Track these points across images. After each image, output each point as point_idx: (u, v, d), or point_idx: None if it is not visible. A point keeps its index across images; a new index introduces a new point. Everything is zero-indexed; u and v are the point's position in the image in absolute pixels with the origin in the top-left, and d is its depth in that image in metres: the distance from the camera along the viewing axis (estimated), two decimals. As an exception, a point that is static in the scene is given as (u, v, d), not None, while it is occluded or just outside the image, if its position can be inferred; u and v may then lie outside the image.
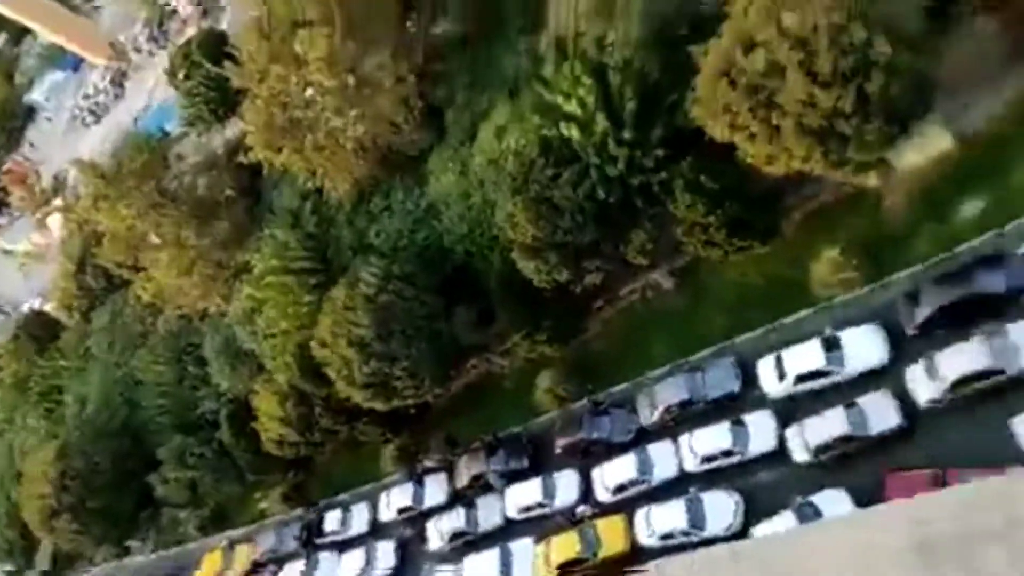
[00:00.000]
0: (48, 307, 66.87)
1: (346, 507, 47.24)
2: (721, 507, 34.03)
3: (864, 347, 33.44)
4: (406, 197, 43.79)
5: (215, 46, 54.55)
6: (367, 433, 45.29)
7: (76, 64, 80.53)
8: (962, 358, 30.46)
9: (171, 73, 60.17)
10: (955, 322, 31.31)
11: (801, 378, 34.17)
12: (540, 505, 39.38)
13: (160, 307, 53.42)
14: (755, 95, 31.13)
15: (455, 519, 41.71)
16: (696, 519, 34.08)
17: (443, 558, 41.90)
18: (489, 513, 41.09)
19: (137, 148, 51.97)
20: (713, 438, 35.36)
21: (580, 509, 38.18)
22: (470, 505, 41.83)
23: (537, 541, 38.47)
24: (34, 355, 62.47)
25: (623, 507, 36.80)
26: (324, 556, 46.20)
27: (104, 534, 54.85)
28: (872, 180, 35.18)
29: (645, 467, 36.82)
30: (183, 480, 50.70)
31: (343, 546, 46.04)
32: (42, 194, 73.09)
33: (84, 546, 56.44)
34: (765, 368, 35.35)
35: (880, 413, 31.92)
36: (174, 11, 72.23)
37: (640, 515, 35.79)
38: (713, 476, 35.17)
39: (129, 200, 49.00)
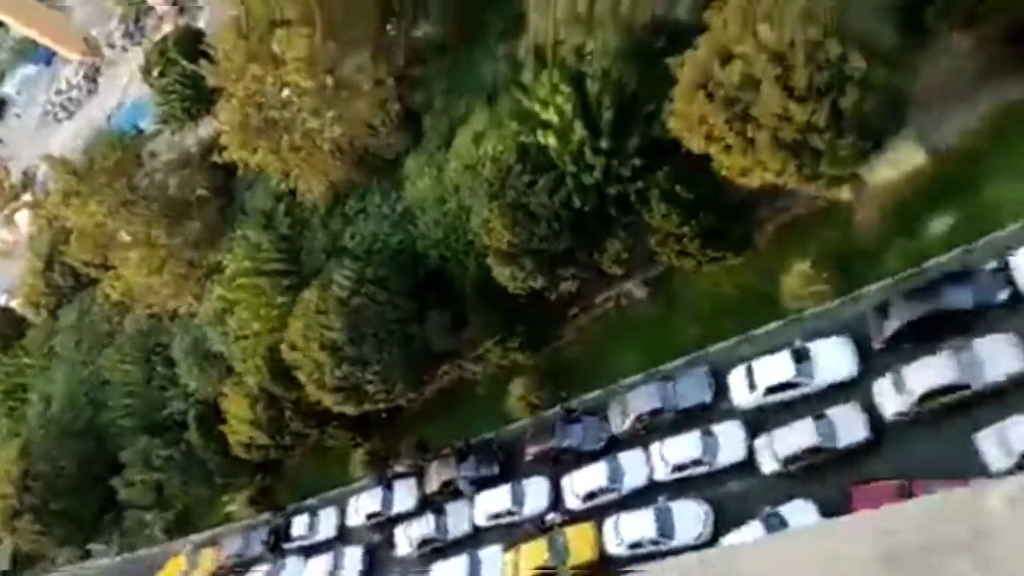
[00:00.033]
0: (14, 304, 65.88)
1: (314, 512, 46.84)
2: (690, 516, 34.14)
3: (833, 359, 33.75)
4: (382, 201, 43.63)
5: (192, 44, 54.16)
6: (337, 437, 44.99)
7: (49, 58, 79.63)
8: (929, 372, 30.83)
9: (146, 70, 59.67)
10: (923, 337, 31.69)
11: (771, 389, 34.41)
12: (509, 512, 39.28)
13: (129, 306, 52.80)
14: (731, 108, 31.38)
15: (424, 525, 41.50)
16: (665, 528, 34.16)
17: (411, 565, 41.66)
18: (458, 520, 40.93)
19: (109, 145, 51.38)
20: (683, 447, 35.49)
21: (550, 517, 38.14)
22: (439, 511, 41.64)
23: (506, 549, 38.37)
24: (-1, 352, 61.49)
25: (592, 515, 36.80)
26: (290, 561, 45.76)
27: (67, 536, 54.00)
28: (845, 194, 35.58)
29: (615, 475, 36.87)
30: (149, 482, 50.04)
31: (310, 551, 45.64)
32: (11, 190, 72.12)
33: (46, 547, 55.54)
34: (736, 378, 35.57)
35: (848, 425, 32.20)
36: (150, 8, 71.61)
37: (609, 523, 35.81)
38: (683, 485, 35.28)
39: (100, 197, 48.43)
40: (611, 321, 41.34)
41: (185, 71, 54.03)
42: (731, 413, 35.45)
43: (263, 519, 48.80)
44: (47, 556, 57.61)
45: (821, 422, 32.51)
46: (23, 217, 68.01)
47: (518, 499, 39.25)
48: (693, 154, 33.37)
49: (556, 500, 38.55)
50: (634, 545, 34.53)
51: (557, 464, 39.17)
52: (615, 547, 35.16)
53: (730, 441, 34.77)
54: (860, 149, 31.81)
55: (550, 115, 36.63)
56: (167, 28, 66.50)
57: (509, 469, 40.89)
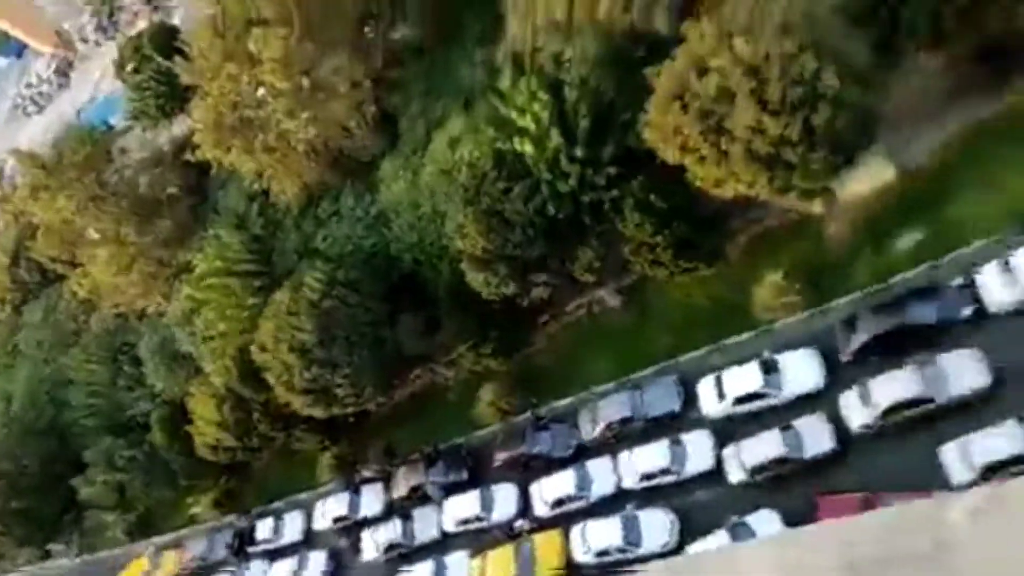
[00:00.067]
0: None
1: (279, 515, 46.41)
2: (657, 525, 34.25)
3: (801, 371, 34.07)
4: (356, 203, 43.44)
5: (167, 40, 53.66)
6: (305, 440, 44.65)
7: (20, 51, 78.48)
8: (895, 386, 31.23)
9: (119, 65, 58.96)
10: (889, 350, 32.11)
11: (740, 399, 34.66)
12: (477, 518, 39.18)
13: (96, 304, 52.08)
14: (706, 119, 31.63)
15: (391, 530, 41.26)
16: (632, 536, 34.24)
17: (377, 570, 41.39)
18: (425, 525, 40.75)
19: (80, 140, 50.73)
20: (651, 456, 35.61)
21: (518, 524, 38.09)
22: (406, 517, 41.43)
23: (473, 555, 38.25)
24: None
25: (560, 522, 36.80)
26: (254, 564, 45.27)
27: (27, 536, 53.15)
28: (816, 208, 35.99)
29: (583, 483, 36.91)
30: (111, 483, 49.32)
31: (275, 555, 45.19)
32: (-23, 183, 70.77)
33: (5, 547, 54.57)
34: (705, 388, 35.78)
35: (814, 436, 32.51)
36: (124, 3, 70.85)
37: (576, 531, 35.83)
38: (651, 494, 35.39)
39: (69, 192, 47.78)
40: (583, 329, 41.44)
41: (160, 68, 53.47)
42: (700, 422, 35.65)
43: (227, 522, 48.26)
44: (6, 556, 56.55)
45: (788, 433, 32.79)
46: (-11, 211, 66.77)
47: (487, 505, 39.16)
48: (668, 164, 33.58)
49: (525, 507, 38.50)
50: (601, 553, 34.57)
51: (526, 471, 39.15)
52: (582, 555, 35.19)
53: (698, 450, 34.95)
54: (832, 164, 32.20)
55: (527, 122, 36.70)
56: (141, 24, 65.81)
57: (478, 475, 40.79)
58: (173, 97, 54.09)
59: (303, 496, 46.31)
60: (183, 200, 49.76)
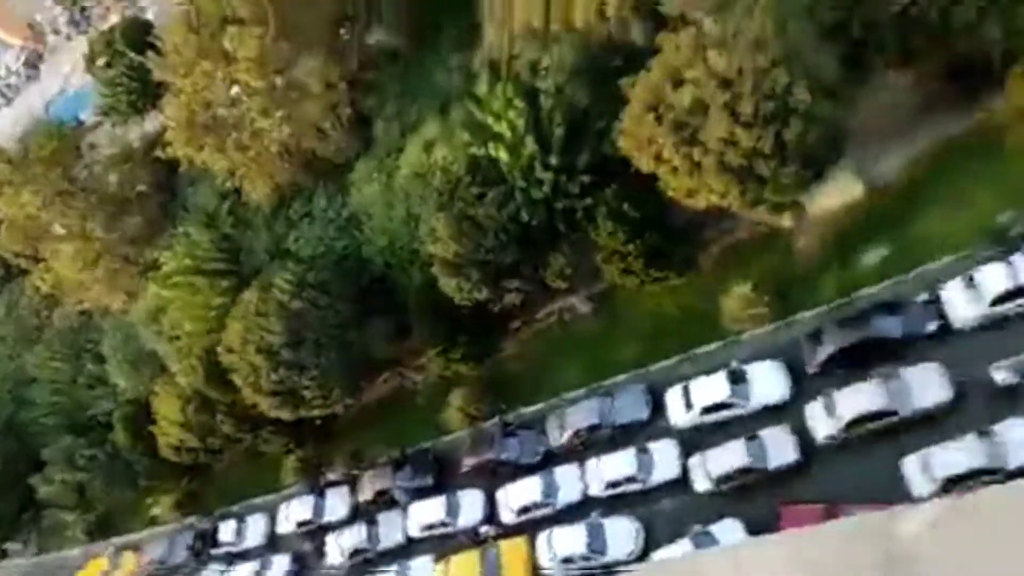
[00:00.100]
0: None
1: (242, 518, 45.89)
2: (622, 533, 34.34)
3: (768, 382, 34.38)
4: (328, 205, 43.19)
5: (139, 35, 53.03)
6: (270, 442, 44.21)
7: (-11, 42, 77.04)
8: (859, 398, 31.63)
9: (90, 59, 58.16)
10: (854, 363, 32.52)
11: (707, 409, 34.89)
12: (443, 524, 39.03)
13: (59, 300, 51.29)
14: (680, 131, 31.90)
15: (356, 535, 40.98)
16: (596, 544, 34.29)
17: (341, 574, 41.08)
18: (390, 530, 40.52)
19: (48, 134, 50.05)
20: (618, 464, 35.72)
21: (484, 530, 38.01)
22: (372, 521, 41.17)
23: (437, 560, 38.10)
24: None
25: (526, 529, 36.78)
26: (215, 567, 44.69)
27: (-17, 535, 52.07)
28: (786, 221, 36.40)
29: (550, 490, 36.92)
30: (70, 482, 48.52)
31: (238, 558, 44.67)
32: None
33: (-40, 546, 53.47)
34: (673, 397, 35.98)
35: (779, 447, 32.81)
36: (98, -4, 69.96)
37: (542, 538, 35.82)
38: (617, 502, 35.49)
39: (35, 187, 47.08)
40: (553, 335, 41.51)
41: (132, 63, 52.83)
42: (667, 431, 35.83)
43: (188, 523, 47.65)
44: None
45: (753, 443, 33.06)
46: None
47: (452, 511, 39.03)
48: (641, 174, 33.80)
49: (491, 513, 38.42)
50: (566, 560, 34.59)
51: (494, 476, 39.08)
52: (547, 562, 35.19)
53: (665, 459, 35.11)
54: (802, 177, 32.61)
55: (502, 128, 36.77)
56: (113, 18, 65.00)
57: (444, 480, 40.66)
58: (145, 93, 53.45)
59: (267, 499, 45.85)
60: (153, 197, 49.18)
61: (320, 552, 42.30)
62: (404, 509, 40.74)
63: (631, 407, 37.11)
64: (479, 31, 41.00)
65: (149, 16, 61.53)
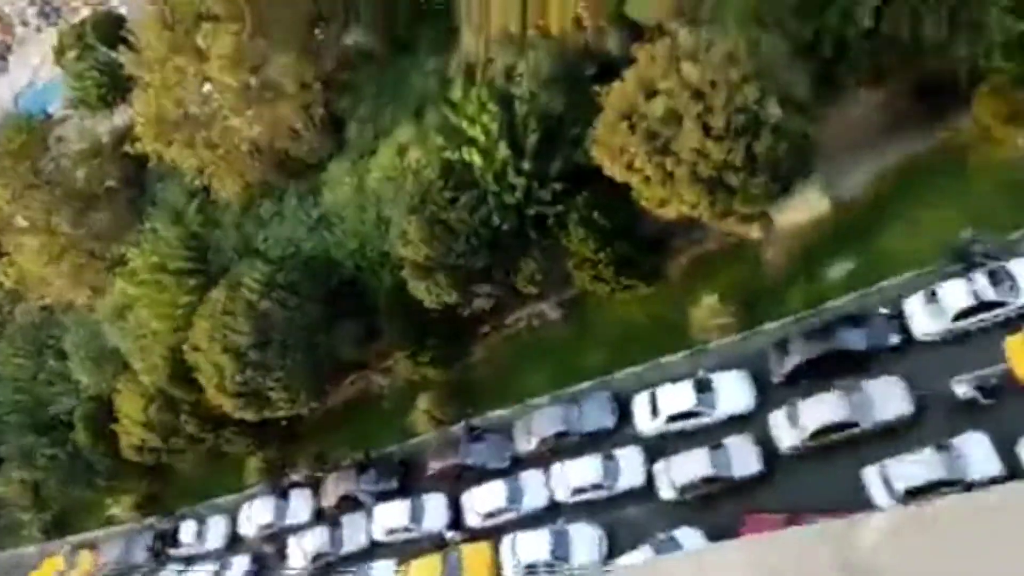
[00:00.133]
0: None
1: (203, 519, 45.34)
2: (586, 539, 34.41)
3: (734, 392, 34.69)
4: (299, 205, 42.91)
5: (111, 29, 52.42)
6: (234, 443, 43.73)
7: (-45, 31, 75.60)
8: (822, 409, 32.04)
9: (59, 51, 57.35)
10: (818, 375, 32.93)
11: (673, 417, 35.11)
12: (406, 528, 38.84)
13: (22, 295, 50.39)
14: (652, 140, 32.17)
15: (318, 538, 40.64)
16: (560, 550, 34.33)
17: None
18: (354, 533, 40.24)
19: (16, 128, 49.30)
20: (584, 470, 35.81)
21: (449, 535, 37.88)
22: (335, 524, 40.86)
23: (399, 564, 37.90)
24: None
25: (492, 534, 36.73)
26: (173, 569, 44.07)
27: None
28: (754, 233, 36.82)
29: (515, 495, 36.92)
30: (27, 481, 47.63)
31: (198, 560, 44.09)
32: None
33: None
34: (640, 405, 36.16)
35: (744, 456, 33.09)
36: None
37: (506, 543, 35.80)
38: (582, 508, 35.57)
39: (3, 180, 46.33)
40: (523, 341, 41.56)
41: (103, 57, 52.18)
42: (634, 439, 35.99)
43: (148, 524, 46.97)
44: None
45: (717, 452, 33.32)
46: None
47: (416, 515, 38.84)
48: (613, 182, 34.00)
49: (456, 517, 38.32)
50: (530, 566, 34.59)
51: (459, 481, 39.00)
52: (511, 567, 35.15)
53: (630, 466, 35.26)
54: (771, 190, 33.03)
55: (476, 133, 36.81)
56: (84, 11, 64.15)
57: (409, 484, 40.49)
58: (115, 87, 52.81)
59: (229, 500, 45.34)
60: (121, 193, 48.56)
61: (282, 555, 41.89)
62: (368, 512, 40.51)
63: (598, 414, 37.23)
64: (456, 35, 41.01)
65: (122, 11, 60.81)
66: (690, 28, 33.37)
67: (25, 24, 70.73)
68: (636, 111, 32.43)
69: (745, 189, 32.27)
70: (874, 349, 32.89)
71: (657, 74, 32.40)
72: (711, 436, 34.02)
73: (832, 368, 32.77)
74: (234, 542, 44.01)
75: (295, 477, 43.50)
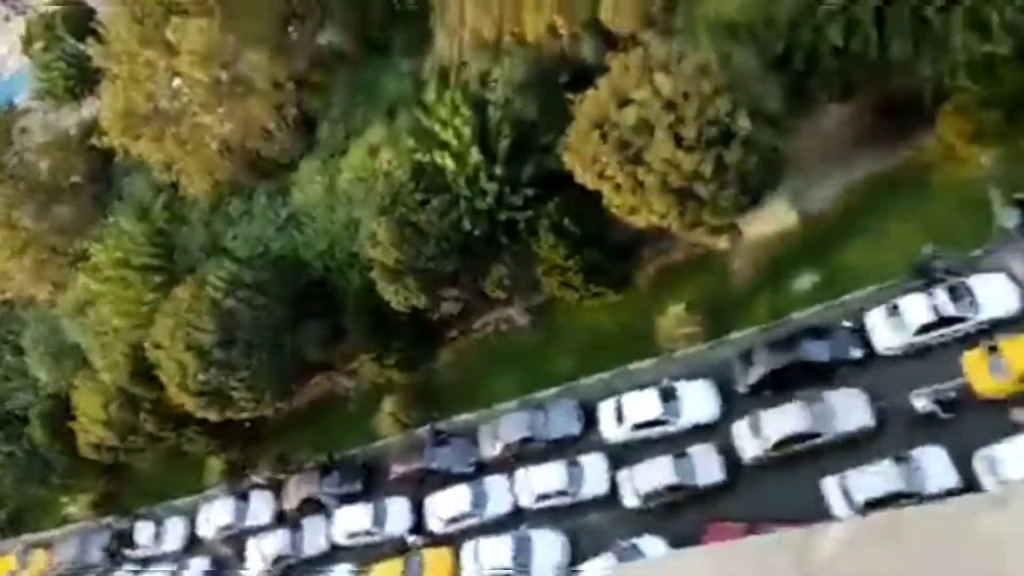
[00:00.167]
0: None
1: (161, 520, 44.63)
2: (548, 546, 34.40)
3: (698, 401, 34.93)
4: (268, 204, 42.53)
5: (81, 21, 51.65)
6: (195, 442, 43.12)
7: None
8: (784, 420, 32.38)
9: (27, 41, 56.38)
10: (782, 385, 33.29)
11: (638, 425, 35.26)
12: (368, 532, 38.57)
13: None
14: (624, 149, 32.34)
15: (278, 541, 40.20)
16: (523, 556, 34.29)
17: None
18: (315, 536, 39.87)
19: (-19, 119, 48.30)
20: (549, 477, 35.82)
21: (411, 539, 37.68)
22: (296, 527, 40.47)
23: (359, 568, 37.61)
24: None
25: (455, 539, 36.60)
26: (128, 570, 43.34)
27: None
28: (722, 243, 37.15)
29: (479, 500, 36.82)
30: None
31: (155, 561, 43.39)
32: None
33: None
34: (606, 412, 36.26)
35: (707, 465, 33.32)
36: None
37: (468, 549, 35.68)
38: (546, 514, 35.57)
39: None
40: (490, 345, 41.52)
41: (71, 48, 51.39)
42: (599, 446, 36.08)
43: (105, 523, 46.15)
44: None
45: (681, 460, 33.51)
46: None
47: (379, 519, 38.57)
48: (584, 190, 34.13)
49: (418, 521, 38.12)
50: (492, 572, 34.49)
51: (423, 485, 38.82)
52: (473, 573, 35.04)
53: (595, 474, 35.33)
54: (739, 202, 33.34)
55: (449, 136, 36.77)
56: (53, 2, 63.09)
57: (372, 487, 40.23)
58: (83, 79, 52.01)
59: (188, 501, 44.70)
60: (86, 187, 47.79)
61: (240, 557, 41.39)
62: (330, 515, 40.16)
63: (564, 420, 37.27)
64: (430, 38, 40.96)
65: (91, 2, 59.90)
66: (663, 39, 33.65)
67: (-9, 13, 69.39)
68: (608, 120, 32.59)
69: (714, 200, 32.55)
70: (837, 361, 33.32)
71: (630, 84, 32.60)
72: (675, 444, 34.22)
73: (795, 379, 33.15)
74: (192, 544, 43.39)
75: (256, 479, 42.99)
